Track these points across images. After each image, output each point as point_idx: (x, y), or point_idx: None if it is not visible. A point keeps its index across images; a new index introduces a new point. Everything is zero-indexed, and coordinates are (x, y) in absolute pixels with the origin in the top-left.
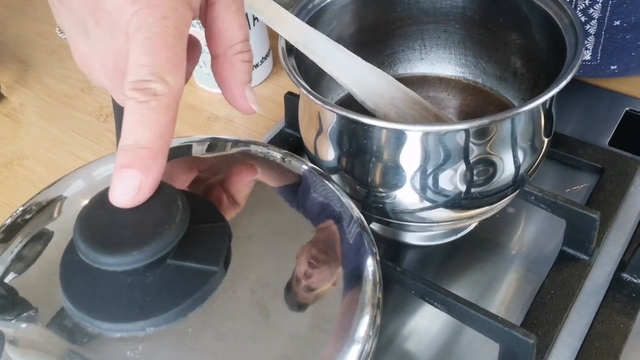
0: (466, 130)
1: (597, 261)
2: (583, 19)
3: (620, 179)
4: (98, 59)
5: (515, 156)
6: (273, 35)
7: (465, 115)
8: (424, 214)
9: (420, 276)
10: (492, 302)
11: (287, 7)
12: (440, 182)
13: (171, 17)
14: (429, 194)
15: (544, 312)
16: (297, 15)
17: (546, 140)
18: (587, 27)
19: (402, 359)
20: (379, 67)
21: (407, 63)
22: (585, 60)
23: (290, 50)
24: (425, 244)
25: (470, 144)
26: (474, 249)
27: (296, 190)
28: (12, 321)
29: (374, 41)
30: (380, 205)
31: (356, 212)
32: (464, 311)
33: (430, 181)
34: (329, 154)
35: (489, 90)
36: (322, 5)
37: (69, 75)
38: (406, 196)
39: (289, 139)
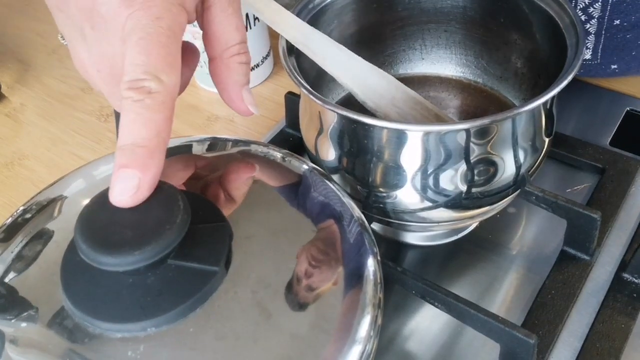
0: (467, 130)
1: (598, 261)
2: (583, 17)
3: (621, 179)
4: (95, 63)
5: (516, 156)
6: (274, 35)
7: (466, 115)
8: (424, 214)
9: (421, 276)
10: (493, 302)
11: (287, 7)
12: (441, 182)
13: (165, 17)
14: (430, 193)
15: (545, 312)
16: (298, 15)
17: (547, 140)
18: (588, 26)
19: (402, 359)
20: (379, 66)
21: (408, 63)
22: (585, 60)
23: (291, 50)
24: (426, 244)
25: (471, 144)
26: (474, 249)
27: (297, 190)
28: (13, 320)
29: (375, 41)
30: (381, 205)
31: (357, 212)
32: (464, 311)
33: (431, 181)
34: (329, 153)
35: (489, 90)
36: (323, 5)
37: (69, 75)
38: (407, 196)
39: (290, 139)
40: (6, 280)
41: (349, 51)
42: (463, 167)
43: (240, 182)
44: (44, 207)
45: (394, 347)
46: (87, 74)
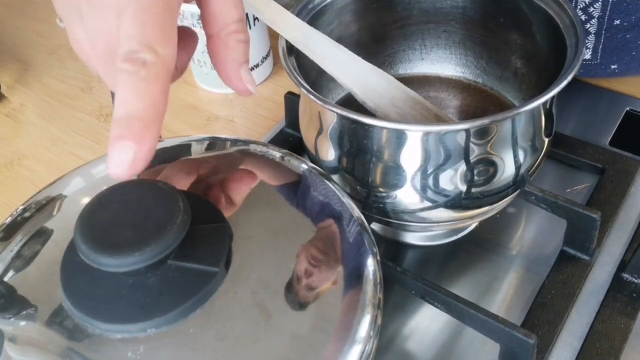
0: (467, 130)
1: (597, 261)
2: (583, 17)
3: (621, 179)
4: (91, 41)
5: (515, 156)
6: (273, 35)
7: (465, 115)
8: (424, 214)
9: (420, 276)
10: (493, 302)
11: (287, 7)
12: (440, 182)
13: None
14: (430, 194)
15: (545, 312)
16: (298, 15)
17: (547, 140)
18: (588, 26)
19: (402, 359)
20: (379, 67)
21: (408, 63)
22: (585, 60)
23: (291, 50)
24: (425, 244)
25: (471, 144)
26: (474, 249)
27: (296, 190)
28: (12, 319)
29: (375, 41)
30: (381, 205)
31: (356, 212)
32: (464, 311)
33: (430, 181)
34: (329, 153)
35: (489, 90)
36: (323, 5)
37: (69, 75)
38: (407, 196)
39: (290, 139)
40: (5, 279)
41: (348, 51)
42: (463, 167)
43: (242, 187)
44: (44, 206)
45: (394, 347)
46: (83, 53)
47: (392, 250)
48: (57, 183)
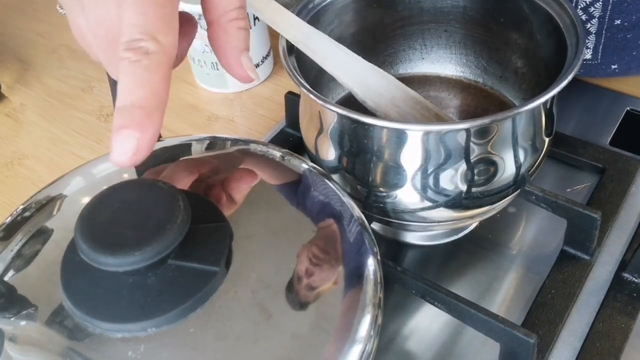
0: (467, 130)
1: (598, 261)
2: (584, 17)
3: (621, 178)
4: (91, 29)
5: (516, 156)
6: (274, 35)
7: (466, 114)
8: (424, 214)
9: (421, 276)
10: (493, 302)
11: (287, 6)
12: (441, 181)
13: None
14: (430, 193)
15: (545, 311)
16: (298, 14)
17: (547, 139)
18: (588, 26)
19: (402, 359)
20: (379, 66)
21: (408, 62)
22: (586, 60)
23: (291, 49)
24: (426, 244)
25: (471, 144)
26: (474, 249)
27: (296, 190)
28: (12, 319)
29: (375, 41)
30: (381, 205)
31: (357, 212)
32: (464, 311)
33: (431, 181)
34: (329, 153)
35: (489, 90)
36: (323, 4)
37: (69, 75)
38: (407, 196)
39: (290, 139)
40: (5, 278)
41: (349, 51)
42: (463, 166)
43: (242, 187)
44: (44, 206)
45: (394, 347)
46: (84, 41)
47: (393, 250)
48: (58, 183)
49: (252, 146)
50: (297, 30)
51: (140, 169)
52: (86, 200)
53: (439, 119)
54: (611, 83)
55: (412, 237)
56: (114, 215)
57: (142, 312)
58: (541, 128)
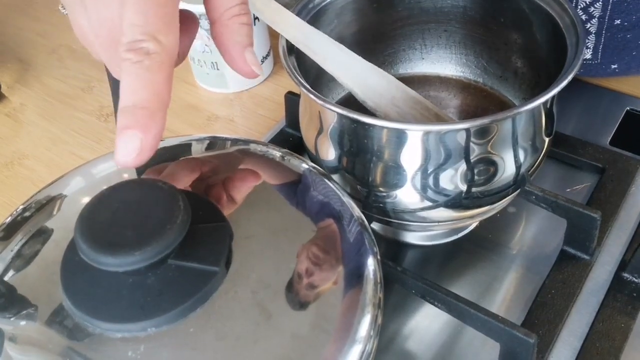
0: (467, 130)
1: (597, 261)
2: (584, 17)
3: (621, 178)
4: (93, 29)
5: (516, 156)
6: (274, 35)
7: (466, 114)
8: (424, 214)
9: (420, 276)
10: (493, 302)
11: (287, 6)
12: (441, 181)
13: None
14: (430, 193)
15: (545, 311)
16: (298, 14)
17: (547, 139)
18: (588, 26)
19: (402, 359)
20: (379, 66)
21: (408, 62)
22: (586, 59)
23: (291, 49)
24: (425, 244)
25: (471, 144)
26: (474, 249)
27: (296, 190)
28: (12, 319)
29: (375, 41)
30: (381, 205)
31: (357, 212)
32: (464, 311)
33: (431, 181)
34: (329, 153)
35: (489, 90)
36: (323, 4)
37: (69, 75)
38: (407, 196)
39: (290, 139)
40: (5, 278)
41: (349, 51)
42: (463, 166)
43: (243, 187)
44: (44, 206)
45: (394, 347)
46: (86, 41)
47: (393, 250)
48: (58, 183)
49: (252, 146)
50: (297, 30)
51: (141, 168)
52: (86, 200)
53: (439, 119)
54: (611, 83)
55: (412, 237)
56: (114, 215)
57: (142, 312)
58: (541, 128)
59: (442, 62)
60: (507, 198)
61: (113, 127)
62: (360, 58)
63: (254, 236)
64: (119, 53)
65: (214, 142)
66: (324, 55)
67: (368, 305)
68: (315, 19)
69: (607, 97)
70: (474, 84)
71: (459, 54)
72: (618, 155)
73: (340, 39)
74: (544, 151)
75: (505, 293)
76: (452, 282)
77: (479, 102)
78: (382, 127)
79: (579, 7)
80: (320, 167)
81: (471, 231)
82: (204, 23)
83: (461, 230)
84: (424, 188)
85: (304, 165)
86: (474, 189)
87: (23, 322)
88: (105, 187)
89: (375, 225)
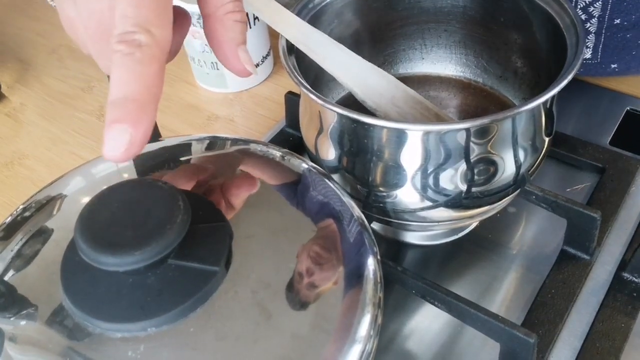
0: (467, 130)
1: (598, 260)
2: (583, 17)
3: (621, 178)
4: (83, 21)
5: (516, 155)
6: (274, 35)
7: (466, 114)
8: (424, 214)
9: (421, 275)
10: (493, 302)
11: (287, 6)
12: (441, 181)
13: None
14: (430, 193)
15: (545, 311)
16: (298, 14)
17: (547, 139)
18: (588, 26)
19: (402, 359)
20: (379, 66)
21: (408, 62)
22: (585, 59)
23: (291, 49)
24: (426, 244)
25: (471, 144)
26: (474, 249)
27: (296, 190)
28: (12, 319)
29: (375, 40)
30: (381, 205)
31: (357, 212)
32: (464, 310)
33: (431, 180)
34: (329, 153)
35: (489, 90)
36: (323, 4)
37: (69, 75)
38: (407, 195)
39: (290, 139)
40: (5, 278)
41: (349, 50)
42: (463, 166)
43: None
44: (44, 206)
45: (394, 347)
46: (74, 33)
47: (393, 250)
48: (57, 182)
49: (252, 146)
50: (297, 30)
51: (141, 169)
52: (86, 200)
53: (439, 118)
54: (611, 83)
55: (412, 237)
56: (114, 215)
57: (142, 312)
58: (541, 128)
59: (442, 62)
60: (507, 198)
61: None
62: (360, 58)
63: (254, 236)
64: (110, 45)
65: (214, 142)
66: (324, 55)
67: (368, 305)
68: (315, 19)
69: (607, 97)
70: (474, 84)
71: (459, 54)
72: (618, 155)
73: (340, 39)
74: (544, 151)
75: (505, 293)
76: (452, 282)
77: (479, 102)
78: (382, 127)
79: (579, 6)
80: (320, 167)
81: (471, 231)
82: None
83: (461, 230)
84: (424, 188)
85: (304, 165)
86: (474, 189)
87: (23, 322)
88: (105, 187)
89: (375, 225)
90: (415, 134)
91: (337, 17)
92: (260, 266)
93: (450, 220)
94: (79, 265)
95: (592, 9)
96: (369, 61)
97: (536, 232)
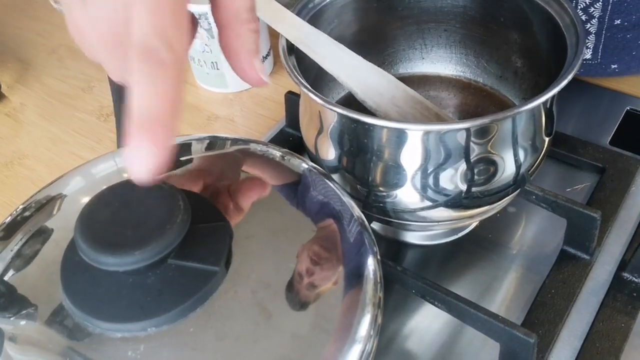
0: (467, 130)
1: (597, 260)
2: (584, 17)
3: (621, 178)
4: (92, 24)
5: (516, 155)
6: (274, 35)
7: (466, 114)
8: (424, 213)
9: (421, 275)
10: (493, 302)
11: (287, 6)
12: (441, 181)
13: None
14: (430, 193)
15: (545, 311)
16: (298, 14)
17: (547, 139)
18: (588, 26)
19: (402, 359)
20: (379, 66)
21: (408, 62)
22: (586, 59)
23: (291, 49)
24: (426, 243)
25: (471, 143)
26: (474, 249)
27: (296, 190)
28: (12, 318)
29: (375, 40)
30: (381, 205)
31: (357, 211)
32: (464, 310)
33: (431, 180)
34: (329, 153)
35: (489, 90)
36: (323, 4)
37: (69, 74)
38: (407, 195)
39: (290, 139)
40: (5, 278)
41: (349, 50)
42: (463, 166)
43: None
44: (44, 206)
45: (394, 347)
46: (81, 38)
47: (393, 250)
48: (57, 182)
49: (252, 146)
50: (297, 30)
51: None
52: (86, 200)
53: (439, 118)
54: (611, 83)
55: (412, 237)
56: (114, 215)
57: (142, 312)
58: (541, 128)
59: (442, 62)
60: (507, 198)
61: (113, 127)
62: (360, 58)
63: (254, 236)
64: (129, 55)
65: (214, 142)
66: (324, 54)
67: (368, 305)
68: (315, 19)
69: (607, 97)
70: (474, 84)
71: (459, 54)
72: (618, 155)
73: (340, 39)
74: (544, 151)
75: (505, 293)
76: (452, 282)
77: (479, 102)
78: (382, 127)
79: (579, 7)
80: (320, 167)
81: (471, 231)
82: (203, 23)
83: (461, 230)
84: (424, 188)
85: (304, 165)
86: (474, 189)
87: (23, 322)
88: (105, 187)
89: (375, 225)
90: (415, 133)
91: (337, 17)
92: (260, 266)
93: (450, 220)
94: (79, 265)
95: (592, 9)
96: (369, 61)
97: (536, 232)
